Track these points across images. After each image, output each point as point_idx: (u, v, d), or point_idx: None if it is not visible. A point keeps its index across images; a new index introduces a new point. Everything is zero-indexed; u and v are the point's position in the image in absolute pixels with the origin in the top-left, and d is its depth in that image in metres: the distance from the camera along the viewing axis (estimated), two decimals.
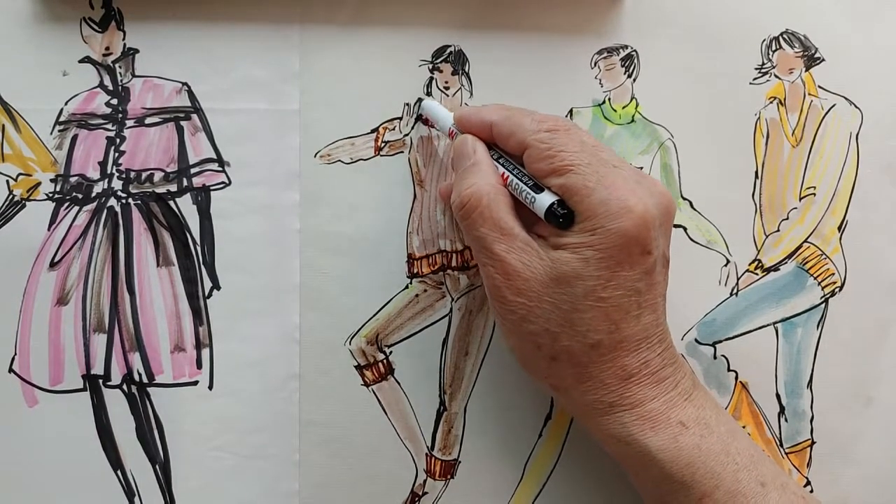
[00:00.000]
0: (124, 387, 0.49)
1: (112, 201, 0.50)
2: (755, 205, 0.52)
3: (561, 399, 0.44)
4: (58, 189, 0.49)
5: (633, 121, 0.52)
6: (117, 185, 0.50)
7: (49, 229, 0.49)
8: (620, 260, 0.40)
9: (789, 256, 0.52)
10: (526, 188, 0.42)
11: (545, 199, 0.41)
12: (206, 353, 0.49)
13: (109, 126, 0.50)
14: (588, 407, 0.42)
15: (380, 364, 0.50)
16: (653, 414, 0.41)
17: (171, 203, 0.50)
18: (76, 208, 0.49)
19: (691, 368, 0.44)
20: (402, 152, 0.51)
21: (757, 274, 0.52)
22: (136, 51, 0.50)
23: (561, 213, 0.41)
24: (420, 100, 0.50)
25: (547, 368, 0.42)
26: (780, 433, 0.51)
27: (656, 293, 0.42)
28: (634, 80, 0.52)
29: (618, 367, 0.41)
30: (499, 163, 0.44)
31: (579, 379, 0.41)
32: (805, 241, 0.52)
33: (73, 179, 0.49)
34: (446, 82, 0.51)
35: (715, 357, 0.51)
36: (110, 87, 0.50)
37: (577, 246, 0.40)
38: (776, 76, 0.52)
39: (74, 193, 0.49)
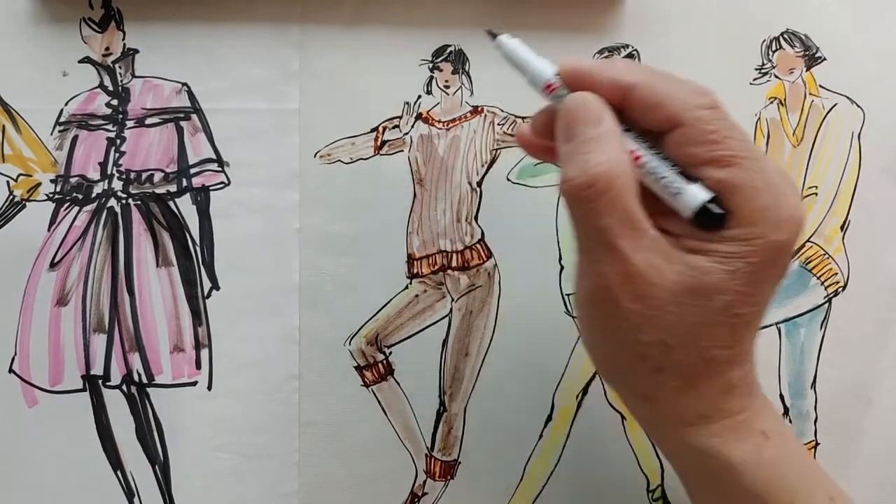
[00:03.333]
0: (124, 387, 0.49)
1: (112, 202, 0.50)
2: None
3: (644, 409, 0.38)
4: (58, 189, 0.49)
5: None
6: (117, 185, 0.50)
7: (49, 230, 0.49)
8: (768, 275, 0.34)
9: (792, 256, 0.52)
10: (672, 175, 0.34)
11: (697, 194, 0.33)
12: (205, 353, 0.49)
13: (109, 126, 0.50)
14: (676, 418, 0.37)
15: (379, 364, 0.50)
16: (740, 425, 0.36)
17: (171, 203, 0.50)
18: (76, 209, 0.49)
19: None
20: (401, 151, 0.51)
21: None
22: (136, 51, 0.50)
23: (717, 214, 0.33)
24: (494, 35, 0.39)
25: (646, 380, 0.36)
26: None
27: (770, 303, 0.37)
28: None
29: (724, 381, 0.36)
30: (627, 136, 0.35)
31: (680, 392, 0.36)
32: (808, 240, 0.52)
33: (73, 180, 0.50)
34: (446, 81, 0.51)
35: None
36: (110, 88, 0.50)
37: (725, 255, 0.33)
38: (776, 76, 0.52)
39: (74, 194, 0.49)
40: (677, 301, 0.34)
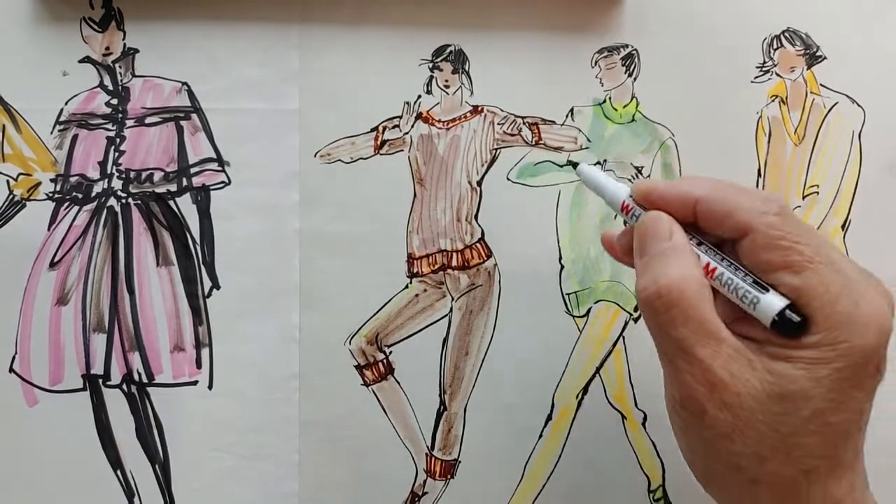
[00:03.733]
0: (124, 386, 0.49)
1: (112, 201, 0.50)
2: None
3: None
4: (58, 189, 0.49)
5: (633, 120, 0.52)
6: (117, 184, 0.50)
7: (49, 229, 0.49)
8: (856, 381, 0.33)
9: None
10: (745, 285, 0.35)
11: (774, 303, 0.33)
12: (205, 352, 0.49)
13: (109, 126, 0.50)
14: None
15: (380, 364, 0.50)
16: None
17: (171, 203, 0.50)
18: (76, 208, 0.49)
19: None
20: (401, 151, 0.51)
21: None
22: (136, 51, 0.50)
23: (797, 321, 0.33)
24: (574, 164, 0.43)
25: (743, 492, 0.36)
26: None
27: (870, 411, 0.36)
28: (635, 79, 0.52)
29: (827, 495, 0.34)
30: (699, 249, 0.37)
31: None
32: None
33: (73, 179, 0.50)
34: (446, 81, 0.51)
35: None
36: (110, 87, 0.50)
37: (809, 361, 0.33)
38: (778, 74, 0.52)
39: (74, 193, 0.50)
40: (765, 410, 0.34)
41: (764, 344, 0.34)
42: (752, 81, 0.52)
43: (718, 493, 0.38)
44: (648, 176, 0.52)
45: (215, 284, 0.50)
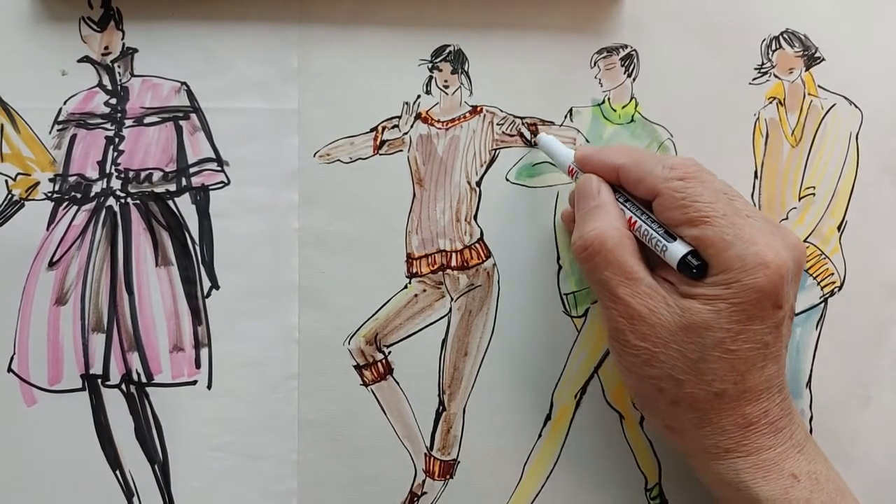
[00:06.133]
0: (123, 386, 0.49)
1: (111, 201, 0.50)
2: (755, 205, 0.52)
3: (673, 439, 0.44)
4: (56, 189, 0.49)
5: (632, 120, 0.52)
6: (116, 184, 0.50)
7: (48, 229, 0.49)
8: (752, 314, 0.39)
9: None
10: (657, 235, 0.42)
11: (678, 249, 0.41)
12: (204, 352, 0.49)
13: (108, 125, 0.50)
14: (703, 451, 0.42)
15: (379, 364, 0.50)
16: (767, 463, 0.41)
17: (170, 203, 0.50)
18: (75, 208, 0.49)
19: (802, 419, 0.44)
20: (401, 151, 0.51)
21: None
22: (135, 50, 0.50)
23: (695, 265, 0.40)
24: (535, 132, 0.50)
25: (666, 411, 0.42)
26: None
27: (781, 344, 0.41)
28: (634, 79, 0.52)
29: (738, 416, 0.41)
30: (625, 206, 0.44)
31: (699, 424, 0.41)
32: (805, 240, 0.52)
33: (71, 179, 0.49)
34: (446, 81, 0.51)
35: None
36: (109, 87, 0.50)
37: (709, 298, 0.40)
38: (776, 76, 0.52)
39: (73, 193, 0.49)
40: (675, 339, 0.40)
41: (676, 284, 0.41)
42: (750, 83, 0.52)
43: (649, 413, 0.45)
44: None
45: (214, 284, 0.50)
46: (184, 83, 0.50)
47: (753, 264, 0.39)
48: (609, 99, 0.52)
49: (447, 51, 0.51)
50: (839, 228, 0.52)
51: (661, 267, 0.42)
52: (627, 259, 0.42)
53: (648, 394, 0.43)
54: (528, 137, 0.51)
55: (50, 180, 0.49)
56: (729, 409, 0.41)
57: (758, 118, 0.52)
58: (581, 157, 0.46)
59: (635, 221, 0.43)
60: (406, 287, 0.51)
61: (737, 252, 0.39)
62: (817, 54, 0.52)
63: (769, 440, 0.41)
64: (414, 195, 0.51)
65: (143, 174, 0.50)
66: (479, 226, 0.51)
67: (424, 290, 0.51)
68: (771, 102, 0.52)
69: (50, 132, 0.49)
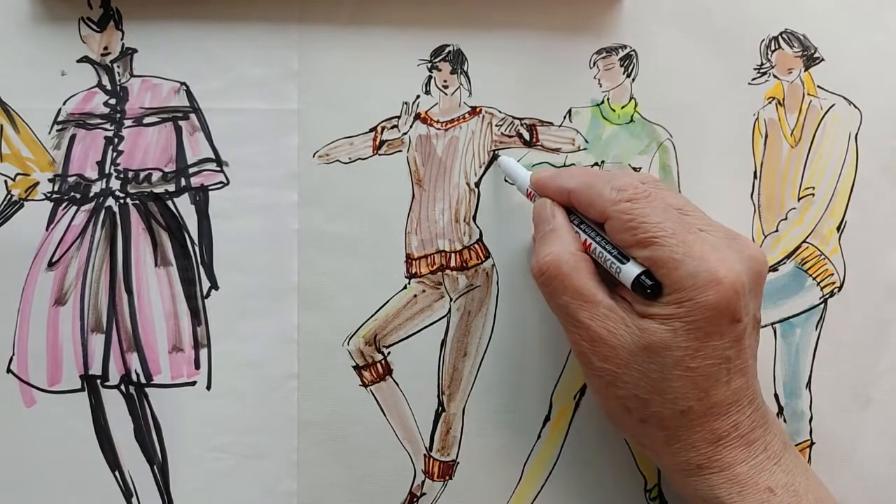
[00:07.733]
0: (122, 387, 0.49)
1: (110, 201, 0.50)
2: (754, 205, 0.52)
3: (649, 455, 0.44)
4: (56, 189, 0.49)
5: (631, 121, 0.52)
6: (115, 184, 0.50)
7: (47, 229, 0.49)
8: (709, 331, 0.39)
9: (788, 257, 0.52)
10: (610, 257, 0.42)
11: (631, 271, 0.41)
12: (204, 353, 0.49)
13: (107, 126, 0.50)
14: (676, 467, 0.42)
15: (378, 364, 0.50)
16: (741, 478, 0.40)
17: (170, 203, 0.50)
18: (74, 208, 0.49)
19: (782, 428, 0.44)
20: (400, 151, 0.51)
21: None
22: (135, 50, 0.50)
23: (649, 285, 0.40)
24: (496, 155, 0.51)
25: (635, 428, 0.42)
26: None
27: (746, 357, 0.41)
28: (633, 79, 0.52)
29: (707, 431, 0.40)
30: (580, 229, 0.44)
31: (668, 441, 0.41)
32: (804, 241, 0.52)
33: (71, 179, 0.49)
34: (445, 81, 0.51)
35: None
36: (108, 87, 0.50)
37: (665, 317, 0.39)
38: (775, 76, 0.52)
39: (72, 193, 0.49)
40: (636, 359, 0.40)
41: (633, 304, 0.41)
42: (749, 83, 0.52)
43: (622, 432, 0.45)
44: None
45: (214, 285, 0.50)
46: (183, 83, 0.50)
47: (704, 282, 0.39)
48: (608, 99, 0.52)
49: (446, 51, 0.51)
50: (839, 229, 0.52)
51: (620, 286, 0.42)
52: (585, 282, 0.42)
53: (617, 413, 0.43)
54: (527, 138, 0.51)
55: (49, 180, 0.49)
56: (697, 426, 0.40)
57: (757, 118, 0.52)
58: (536, 181, 0.47)
59: (589, 243, 0.43)
60: (405, 288, 0.51)
61: (688, 270, 0.39)
62: (816, 54, 0.52)
63: (741, 453, 0.40)
64: (413, 196, 0.51)
65: (142, 174, 0.50)
66: (478, 226, 0.51)
67: (424, 291, 0.51)
68: (770, 102, 0.52)
69: (49, 132, 0.49)
